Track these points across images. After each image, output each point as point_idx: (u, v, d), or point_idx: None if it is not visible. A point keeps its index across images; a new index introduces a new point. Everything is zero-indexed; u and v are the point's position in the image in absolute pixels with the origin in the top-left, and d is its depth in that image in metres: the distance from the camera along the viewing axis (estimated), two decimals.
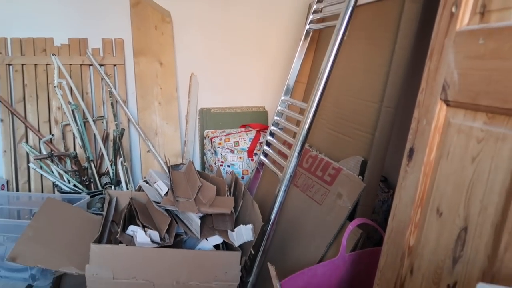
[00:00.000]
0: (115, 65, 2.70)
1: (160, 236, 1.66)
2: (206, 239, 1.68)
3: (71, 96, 2.55)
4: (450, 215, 0.96)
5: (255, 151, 2.41)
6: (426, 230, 1.03)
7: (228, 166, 2.40)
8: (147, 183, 1.93)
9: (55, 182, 2.51)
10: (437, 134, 1.04)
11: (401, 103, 1.56)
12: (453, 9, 1.03)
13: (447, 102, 1.02)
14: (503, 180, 0.84)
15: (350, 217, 1.52)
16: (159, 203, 1.78)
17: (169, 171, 1.90)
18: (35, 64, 2.58)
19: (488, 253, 0.84)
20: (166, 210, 1.76)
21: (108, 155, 2.63)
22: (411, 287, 1.05)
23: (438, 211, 0.99)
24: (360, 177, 1.56)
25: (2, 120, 2.55)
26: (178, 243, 1.75)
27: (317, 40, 2.30)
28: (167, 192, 1.81)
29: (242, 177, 2.41)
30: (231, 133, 2.53)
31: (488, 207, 0.86)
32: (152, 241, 1.65)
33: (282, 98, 2.10)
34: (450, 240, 0.95)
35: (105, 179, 2.63)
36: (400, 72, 1.54)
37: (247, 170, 2.41)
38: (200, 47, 2.80)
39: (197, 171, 1.89)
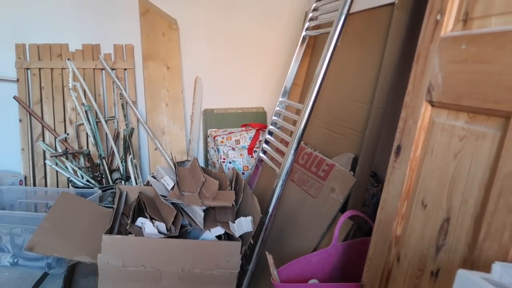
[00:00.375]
0: (125, 69, 2.70)
1: (166, 227, 1.66)
2: (209, 230, 1.68)
3: (85, 98, 2.55)
4: (434, 207, 0.96)
5: (254, 149, 2.41)
6: (412, 221, 1.03)
7: (230, 162, 2.40)
8: (155, 178, 1.93)
9: (69, 177, 2.52)
10: (422, 133, 1.04)
11: (390, 104, 1.56)
12: (438, 17, 1.03)
13: (431, 103, 1.02)
14: (483, 175, 0.84)
15: (342, 210, 1.52)
16: (166, 197, 1.79)
17: (175, 167, 1.90)
18: (51, 68, 2.58)
19: (468, 242, 0.85)
20: (172, 203, 1.77)
21: (118, 152, 2.63)
22: (398, 274, 1.06)
23: (423, 203, 1.00)
24: (351, 172, 1.56)
25: (20, 120, 2.56)
26: (183, 234, 1.75)
27: (312, 46, 2.30)
28: (173, 187, 1.81)
29: (243, 173, 2.41)
30: (233, 132, 2.53)
31: (469, 200, 0.87)
32: (159, 232, 1.65)
33: (280, 99, 2.10)
34: (433, 230, 0.95)
35: (116, 175, 2.63)
36: (389, 75, 1.54)
37: (247, 166, 2.41)
38: (204, 52, 2.80)
39: (201, 167, 1.90)
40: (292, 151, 1.70)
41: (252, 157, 2.41)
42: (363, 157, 1.58)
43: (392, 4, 1.57)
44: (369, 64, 1.68)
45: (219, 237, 1.71)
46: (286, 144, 1.79)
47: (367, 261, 1.18)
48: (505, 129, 0.80)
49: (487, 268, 0.72)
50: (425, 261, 0.96)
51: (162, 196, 1.82)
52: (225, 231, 1.69)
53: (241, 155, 2.41)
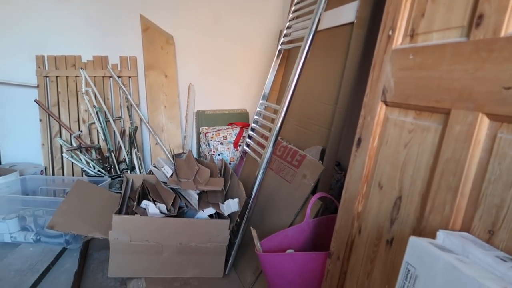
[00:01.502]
0: (130, 77, 2.65)
1: (167, 208, 1.65)
2: (203, 210, 1.67)
3: (95, 101, 2.50)
4: (388, 188, 0.97)
5: (239, 143, 2.40)
6: (371, 199, 1.04)
7: (219, 155, 2.39)
8: (156, 168, 1.91)
9: (83, 168, 2.47)
10: (379, 127, 1.05)
11: (351, 105, 1.57)
12: (390, 33, 1.04)
13: (386, 103, 1.03)
14: (428, 160, 0.85)
15: (313, 192, 1.53)
16: (166, 183, 1.77)
17: (173, 158, 1.89)
18: (67, 76, 2.52)
19: (416, 215, 0.86)
20: (171, 188, 1.75)
21: (124, 147, 2.59)
22: (359, 243, 1.07)
23: (379, 185, 1.01)
24: (320, 161, 1.57)
25: (40, 120, 2.50)
26: (181, 213, 1.75)
27: (287, 58, 2.30)
28: (172, 175, 1.80)
29: (230, 163, 2.40)
30: (221, 129, 2.52)
31: (417, 181, 0.88)
32: (161, 212, 1.64)
33: (260, 101, 2.09)
34: (388, 206, 0.96)
35: (123, 165, 2.59)
36: (350, 82, 1.55)
37: (233, 158, 2.40)
38: (197, 63, 2.77)
39: (195, 158, 1.88)
40: (271, 144, 1.70)
41: (237, 150, 2.40)
42: (329, 149, 1.58)
43: (352, 23, 1.58)
44: (333, 72, 1.69)
45: (211, 216, 1.71)
46: (266, 138, 1.79)
47: (334, 233, 1.18)
48: (445, 122, 0.81)
49: (432, 235, 0.73)
50: (382, 232, 0.97)
51: (162, 182, 1.80)
52: (216, 211, 1.68)
53: (228, 148, 2.40)
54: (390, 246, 0.93)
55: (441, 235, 0.70)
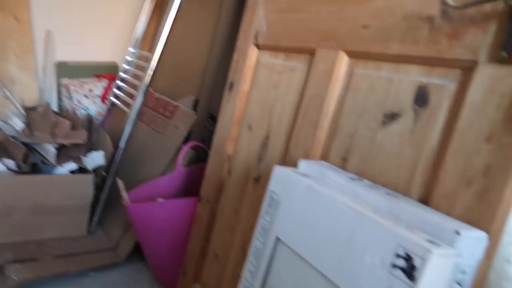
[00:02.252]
0: None
1: (17, 165, 1.43)
2: (62, 165, 1.49)
3: None
4: (257, 129, 0.98)
5: (107, 97, 2.20)
6: (240, 141, 1.05)
7: (84, 109, 2.16)
8: (4, 122, 1.64)
9: None
10: (250, 70, 1.05)
11: (225, 54, 1.54)
12: None
13: (258, 46, 1.03)
14: (294, 99, 0.88)
15: (185, 142, 1.49)
16: (16, 137, 1.53)
17: (26, 111, 1.64)
18: None
19: (282, 151, 0.89)
20: (24, 144, 1.52)
21: None
22: (229, 184, 1.07)
23: (249, 126, 1.02)
24: (193, 111, 1.53)
25: None
26: (36, 170, 1.53)
27: (160, 5, 2.15)
28: (23, 128, 1.56)
29: (97, 118, 2.19)
30: (86, 82, 2.27)
31: (283, 119, 0.90)
32: (9, 170, 1.42)
33: (130, 50, 1.93)
34: (257, 146, 0.98)
35: None
36: (224, 30, 1.50)
37: (101, 113, 2.19)
38: (58, 6, 2.41)
39: (54, 111, 1.67)
40: (141, 93, 1.58)
41: (105, 104, 2.20)
42: (202, 99, 1.54)
43: None
44: (208, 21, 1.63)
45: (73, 172, 1.54)
46: (136, 88, 1.67)
47: (205, 178, 1.17)
48: (310, 62, 0.84)
49: (295, 166, 0.76)
50: (250, 171, 0.99)
51: (11, 137, 1.55)
52: (79, 166, 1.53)
53: (94, 102, 2.19)
54: (257, 183, 0.95)
55: (302, 164, 0.73)
